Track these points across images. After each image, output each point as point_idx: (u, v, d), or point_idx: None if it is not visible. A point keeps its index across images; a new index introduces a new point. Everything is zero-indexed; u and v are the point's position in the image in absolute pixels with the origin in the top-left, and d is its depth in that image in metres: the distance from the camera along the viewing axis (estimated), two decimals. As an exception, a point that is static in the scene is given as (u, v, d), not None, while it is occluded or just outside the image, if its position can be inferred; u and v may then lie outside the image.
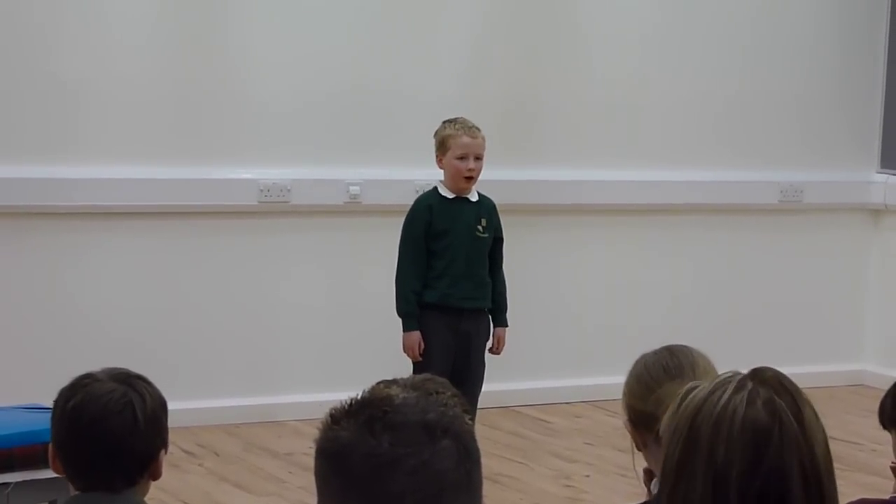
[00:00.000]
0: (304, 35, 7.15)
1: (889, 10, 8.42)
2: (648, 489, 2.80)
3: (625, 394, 2.91)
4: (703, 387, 2.00)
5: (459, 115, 6.07)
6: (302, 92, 7.16)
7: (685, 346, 2.94)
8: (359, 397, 1.81)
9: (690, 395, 2.00)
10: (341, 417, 1.78)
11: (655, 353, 2.93)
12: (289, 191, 7.15)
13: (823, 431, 1.98)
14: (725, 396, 1.95)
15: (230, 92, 7.03)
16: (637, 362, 2.93)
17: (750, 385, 1.96)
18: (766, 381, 1.97)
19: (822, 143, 8.39)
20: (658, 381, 2.83)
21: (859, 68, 8.42)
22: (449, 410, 1.81)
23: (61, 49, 6.70)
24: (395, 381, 1.85)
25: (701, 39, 8.02)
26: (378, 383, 1.85)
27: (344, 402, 1.81)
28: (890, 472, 3.08)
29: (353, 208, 7.27)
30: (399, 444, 1.74)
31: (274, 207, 7.14)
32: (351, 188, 7.26)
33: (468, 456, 1.79)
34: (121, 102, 6.82)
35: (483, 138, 6.00)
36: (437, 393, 1.83)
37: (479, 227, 6.02)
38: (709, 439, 1.93)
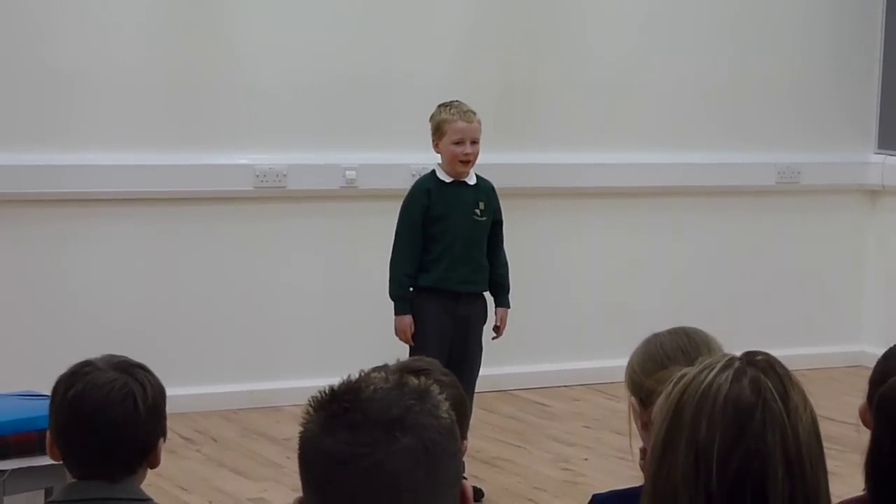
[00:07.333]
0: (300, 20, 7.13)
1: (885, -10, 8.40)
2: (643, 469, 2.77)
3: (634, 372, 2.85)
4: (694, 368, 1.98)
5: (455, 99, 6.05)
6: (298, 77, 7.14)
7: (698, 329, 2.89)
8: (333, 387, 1.80)
9: (682, 378, 1.99)
10: (316, 407, 1.79)
11: (671, 332, 2.87)
12: (285, 176, 7.13)
13: (813, 415, 1.94)
14: (712, 375, 1.94)
15: (226, 77, 7.01)
16: (649, 341, 2.87)
17: (737, 364, 1.95)
18: (755, 362, 1.95)
19: (819, 125, 8.37)
20: (674, 360, 2.77)
21: (856, 49, 8.40)
22: (419, 404, 1.77)
23: (55, 35, 6.68)
24: (383, 367, 1.84)
25: (697, 21, 7.99)
26: (359, 372, 1.84)
27: (321, 391, 1.80)
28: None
29: (349, 193, 7.26)
30: (354, 443, 1.73)
31: (270, 193, 7.13)
32: (347, 173, 7.24)
33: (429, 455, 1.74)
34: (116, 89, 6.80)
35: (479, 122, 5.98)
36: (421, 377, 1.81)
37: (477, 211, 6.00)
38: (692, 415, 1.91)
